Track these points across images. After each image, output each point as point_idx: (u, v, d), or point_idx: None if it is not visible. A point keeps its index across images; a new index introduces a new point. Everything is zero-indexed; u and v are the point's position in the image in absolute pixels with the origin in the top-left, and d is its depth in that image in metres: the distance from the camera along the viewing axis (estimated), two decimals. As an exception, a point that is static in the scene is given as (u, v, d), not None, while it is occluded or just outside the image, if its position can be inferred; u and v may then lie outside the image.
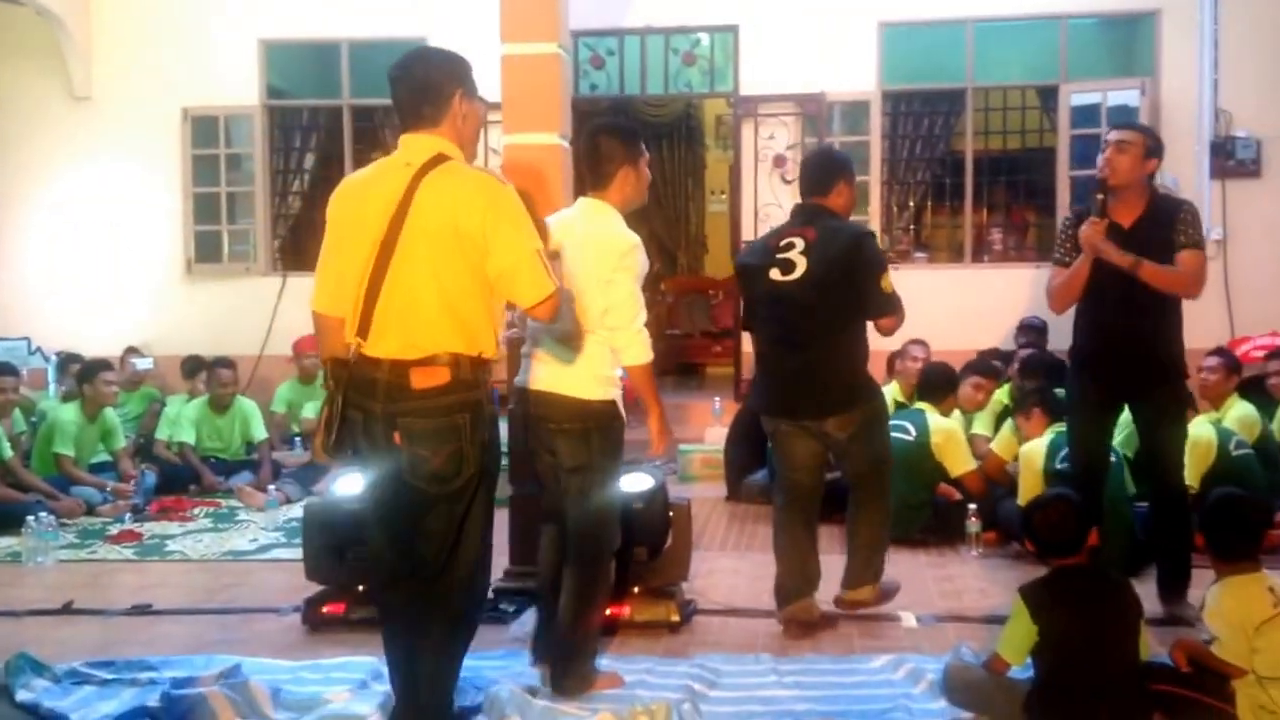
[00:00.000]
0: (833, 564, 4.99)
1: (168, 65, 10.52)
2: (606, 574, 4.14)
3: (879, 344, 8.65)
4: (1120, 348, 4.89)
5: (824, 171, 4.93)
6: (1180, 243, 4.79)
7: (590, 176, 4.13)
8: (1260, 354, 8.67)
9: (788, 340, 4.75)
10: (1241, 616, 3.62)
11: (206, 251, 10.72)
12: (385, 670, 4.34)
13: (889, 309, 4.70)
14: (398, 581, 3.44)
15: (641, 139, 4.20)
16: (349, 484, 5.18)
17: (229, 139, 10.70)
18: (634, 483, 4.79)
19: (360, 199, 3.36)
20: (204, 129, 10.62)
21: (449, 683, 3.50)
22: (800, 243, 4.69)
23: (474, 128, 3.46)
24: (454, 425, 3.26)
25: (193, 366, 9.27)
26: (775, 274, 4.72)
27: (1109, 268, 4.81)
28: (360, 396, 3.30)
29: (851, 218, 5.03)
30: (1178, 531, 4.93)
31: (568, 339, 3.94)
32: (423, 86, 3.36)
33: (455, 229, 3.23)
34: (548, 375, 4.01)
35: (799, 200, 5.01)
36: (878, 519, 4.89)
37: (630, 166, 4.08)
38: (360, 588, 4.99)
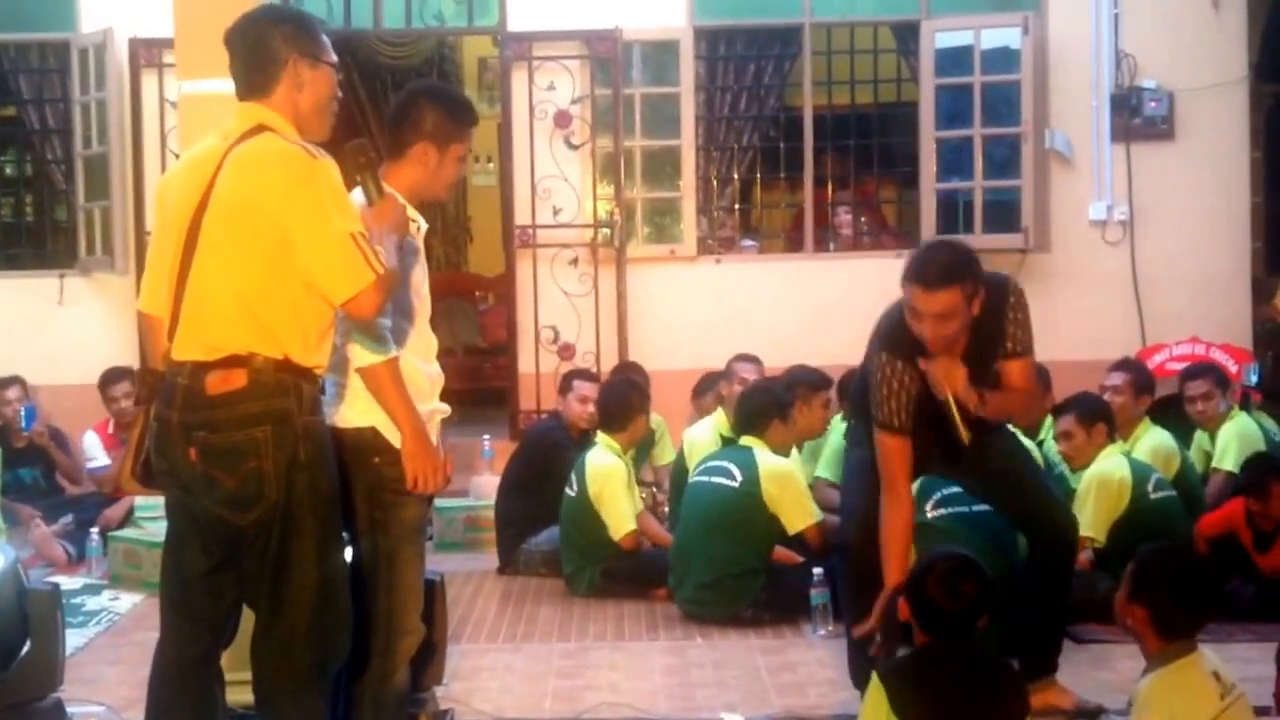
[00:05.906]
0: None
1: None
2: None
3: (693, 364, 8.91)
4: None
5: None
6: (1009, 350, 4.89)
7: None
8: (1177, 366, 8.84)
9: None
10: (1188, 717, 3.70)
11: None
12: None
13: None
14: (188, 666, 3.71)
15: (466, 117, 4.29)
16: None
17: None
18: None
19: (177, 181, 3.73)
20: None
21: None
22: None
23: (315, 97, 3.76)
24: (251, 440, 3.51)
25: None
26: None
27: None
28: (162, 405, 3.63)
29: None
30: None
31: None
32: (253, 51, 3.70)
33: (252, 211, 3.53)
34: None
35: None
36: None
37: (432, 144, 4.21)
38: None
